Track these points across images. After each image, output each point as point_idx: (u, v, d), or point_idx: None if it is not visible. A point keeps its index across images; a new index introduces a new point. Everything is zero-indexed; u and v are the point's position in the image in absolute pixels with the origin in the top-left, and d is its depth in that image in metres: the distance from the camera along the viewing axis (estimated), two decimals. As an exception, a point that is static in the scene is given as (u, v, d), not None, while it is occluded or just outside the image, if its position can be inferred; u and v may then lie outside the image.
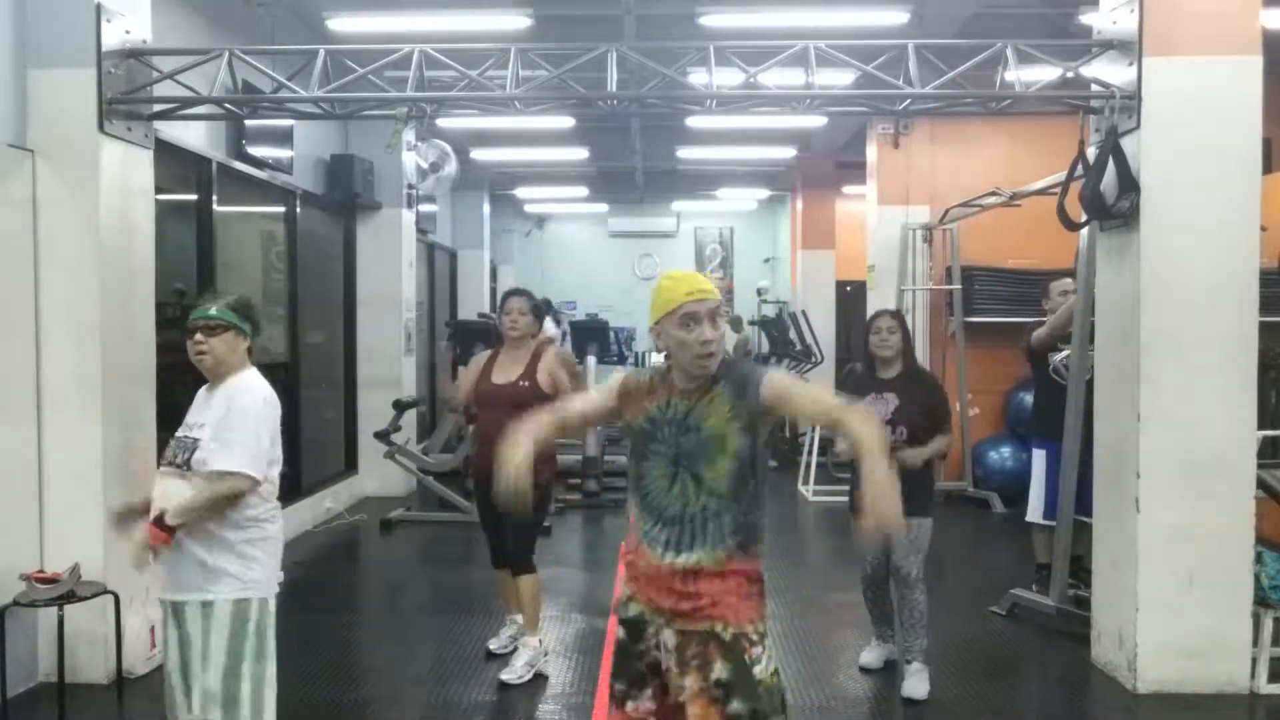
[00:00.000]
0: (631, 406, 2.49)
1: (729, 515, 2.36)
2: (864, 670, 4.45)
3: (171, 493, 2.86)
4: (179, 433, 3.01)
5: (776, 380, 2.38)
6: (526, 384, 4.33)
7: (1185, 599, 4.17)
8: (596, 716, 3.96)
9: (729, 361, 2.44)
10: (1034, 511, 5.46)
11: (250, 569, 2.90)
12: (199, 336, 2.97)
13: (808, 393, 2.46)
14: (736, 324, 13.70)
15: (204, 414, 2.98)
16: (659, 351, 2.51)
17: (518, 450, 2.40)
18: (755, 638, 2.36)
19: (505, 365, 4.47)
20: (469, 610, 4.90)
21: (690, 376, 2.41)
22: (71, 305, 4.22)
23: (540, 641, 4.45)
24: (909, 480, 4.12)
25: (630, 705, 2.45)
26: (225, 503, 2.84)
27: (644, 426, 2.45)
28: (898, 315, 4.36)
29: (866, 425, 2.28)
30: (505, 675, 4.31)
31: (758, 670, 2.33)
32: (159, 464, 3.07)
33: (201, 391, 3.07)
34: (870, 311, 9.14)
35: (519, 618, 4.53)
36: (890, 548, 4.17)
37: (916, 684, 4.16)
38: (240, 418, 2.91)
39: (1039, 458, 5.50)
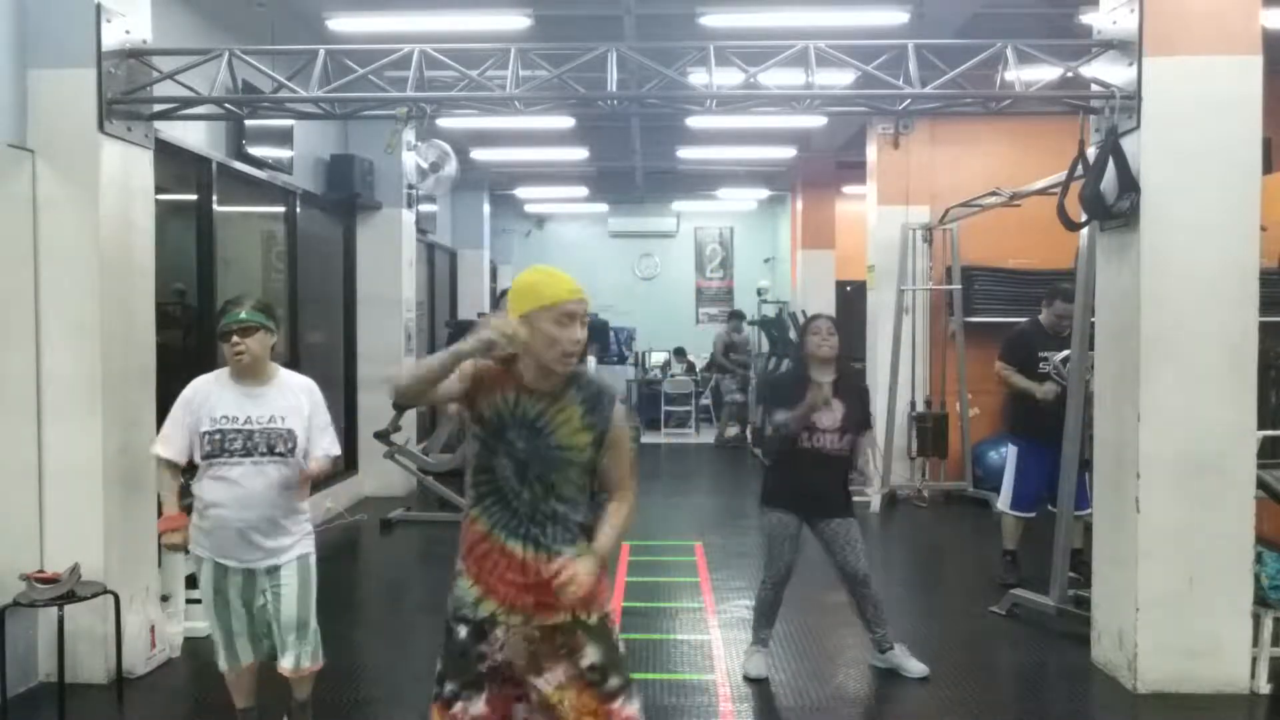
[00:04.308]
0: (483, 394, 2.42)
1: (578, 514, 2.45)
2: (752, 680, 4.31)
3: (283, 485, 3.38)
4: (246, 425, 3.34)
5: (620, 415, 2.49)
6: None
7: (1185, 599, 4.17)
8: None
9: (580, 372, 2.47)
10: (1002, 502, 5.93)
11: (309, 530, 3.55)
12: (235, 339, 3.34)
13: (626, 454, 2.53)
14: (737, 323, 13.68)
15: (275, 406, 3.40)
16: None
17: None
18: (611, 615, 2.52)
19: None
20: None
21: (544, 375, 2.39)
22: (71, 305, 4.22)
23: None
24: (840, 487, 4.34)
25: (459, 706, 2.41)
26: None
27: (493, 419, 2.40)
28: (833, 319, 4.42)
29: (625, 515, 2.49)
30: None
31: (621, 645, 2.50)
32: (217, 455, 3.34)
33: (237, 386, 3.41)
34: (870, 312, 9.24)
35: None
36: (839, 554, 4.29)
37: (915, 662, 4.36)
38: (324, 408, 3.54)
39: (1011, 453, 5.90)
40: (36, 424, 4.21)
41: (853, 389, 4.36)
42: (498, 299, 4.77)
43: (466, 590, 2.45)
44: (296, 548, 3.46)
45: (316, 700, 3.67)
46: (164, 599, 4.70)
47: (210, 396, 3.41)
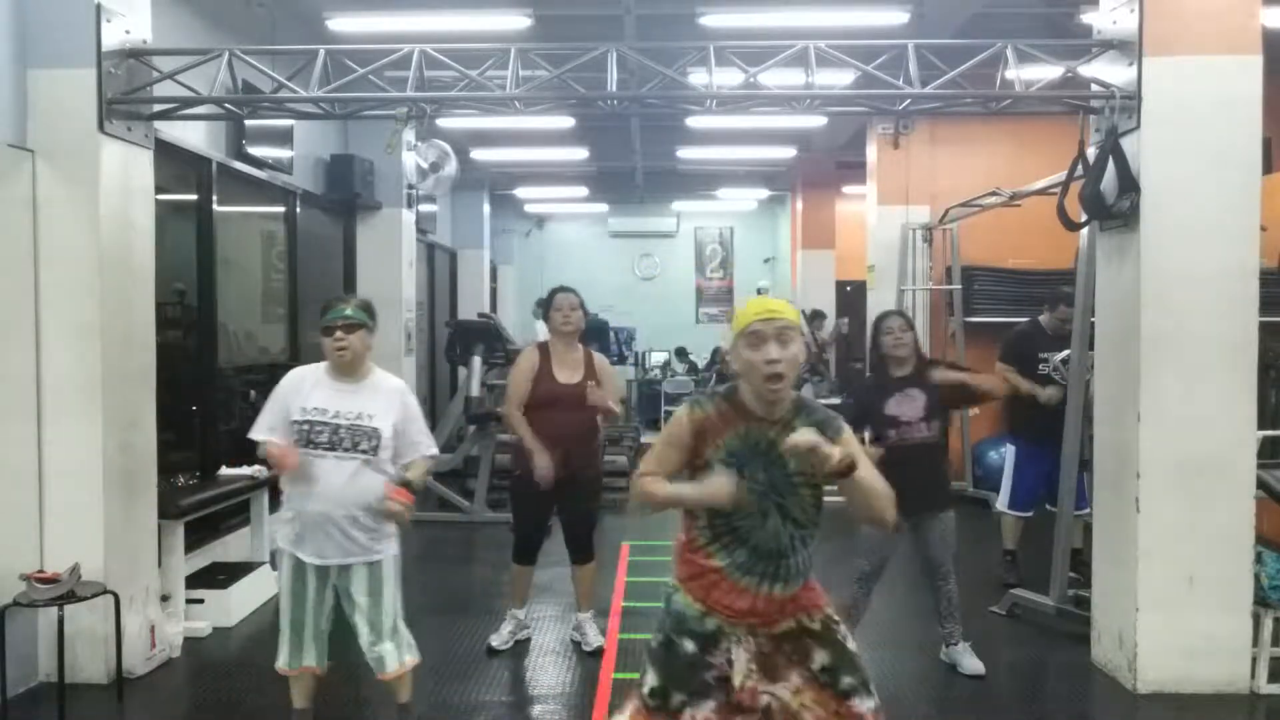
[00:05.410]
0: (708, 443, 2.47)
1: (812, 539, 2.50)
2: None
3: (365, 483, 3.41)
4: (334, 420, 3.40)
5: (849, 435, 2.51)
6: (593, 383, 4.54)
7: (1185, 599, 4.17)
8: (596, 716, 3.96)
9: (805, 400, 2.52)
10: (1002, 502, 5.99)
11: (391, 532, 3.58)
12: (340, 334, 3.40)
13: (861, 452, 2.53)
14: (817, 316, 13.58)
15: (365, 404, 3.44)
16: (733, 375, 2.53)
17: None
18: (836, 616, 2.54)
19: (566, 365, 4.58)
20: (469, 610, 4.89)
21: (767, 403, 2.42)
22: (71, 305, 4.22)
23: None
24: (937, 479, 4.33)
25: (689, 714, 2.44)
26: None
27: (725, 460, 2.44)
28: (905, 315, 4.47)
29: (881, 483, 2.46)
30: (594, 645, 4.65)
31: (850, 645, 2.52)
32: (302, 446, 3.39)
33: (331, 382, 3.48)
34: (871, 312, 9.23)
35: (520, 613, 4.76)
36: (924, 544, 4.31)
37: (974, 660, 4.41)
38: (418, 411, 3.58)
39: (1010, 453, 5.96)
40: (36, 424, 4.21)
41: (930, 377, 4.35)
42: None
43: (689, 606, 2.51)
44: (374, 550, 3.48)
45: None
46: (164, 599, 4.70)
47: (304, 387, 3.47)
